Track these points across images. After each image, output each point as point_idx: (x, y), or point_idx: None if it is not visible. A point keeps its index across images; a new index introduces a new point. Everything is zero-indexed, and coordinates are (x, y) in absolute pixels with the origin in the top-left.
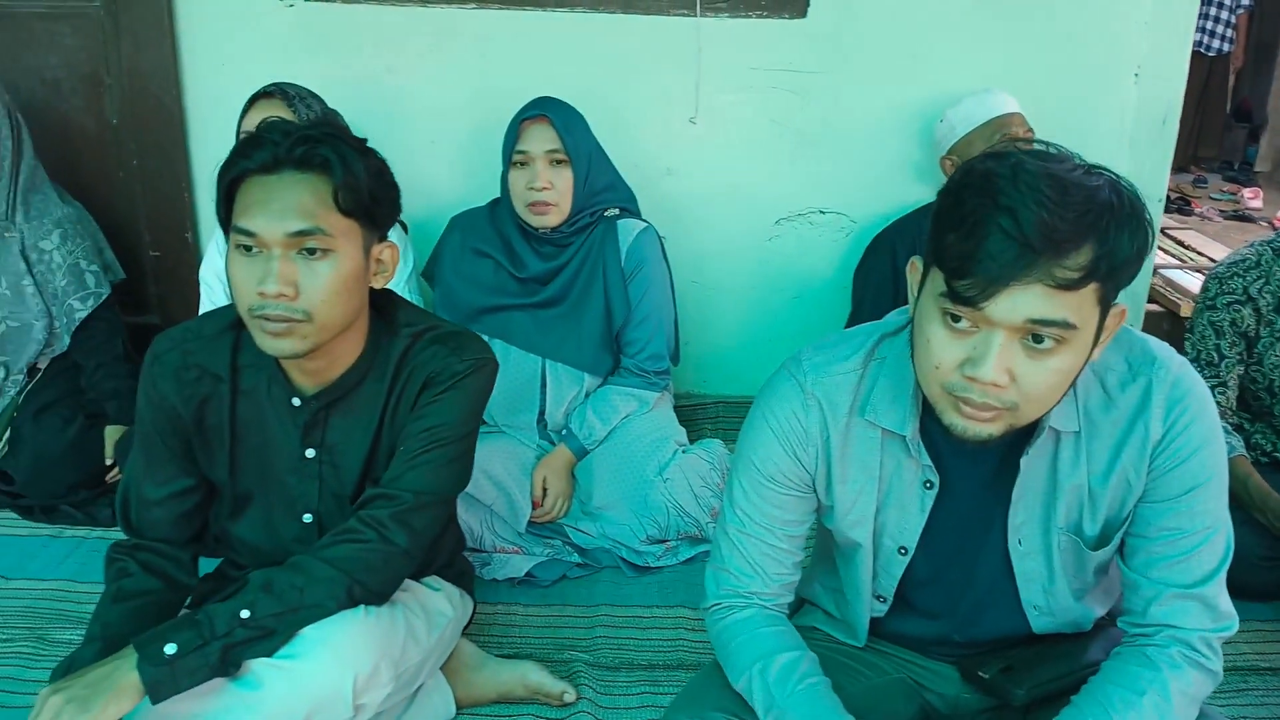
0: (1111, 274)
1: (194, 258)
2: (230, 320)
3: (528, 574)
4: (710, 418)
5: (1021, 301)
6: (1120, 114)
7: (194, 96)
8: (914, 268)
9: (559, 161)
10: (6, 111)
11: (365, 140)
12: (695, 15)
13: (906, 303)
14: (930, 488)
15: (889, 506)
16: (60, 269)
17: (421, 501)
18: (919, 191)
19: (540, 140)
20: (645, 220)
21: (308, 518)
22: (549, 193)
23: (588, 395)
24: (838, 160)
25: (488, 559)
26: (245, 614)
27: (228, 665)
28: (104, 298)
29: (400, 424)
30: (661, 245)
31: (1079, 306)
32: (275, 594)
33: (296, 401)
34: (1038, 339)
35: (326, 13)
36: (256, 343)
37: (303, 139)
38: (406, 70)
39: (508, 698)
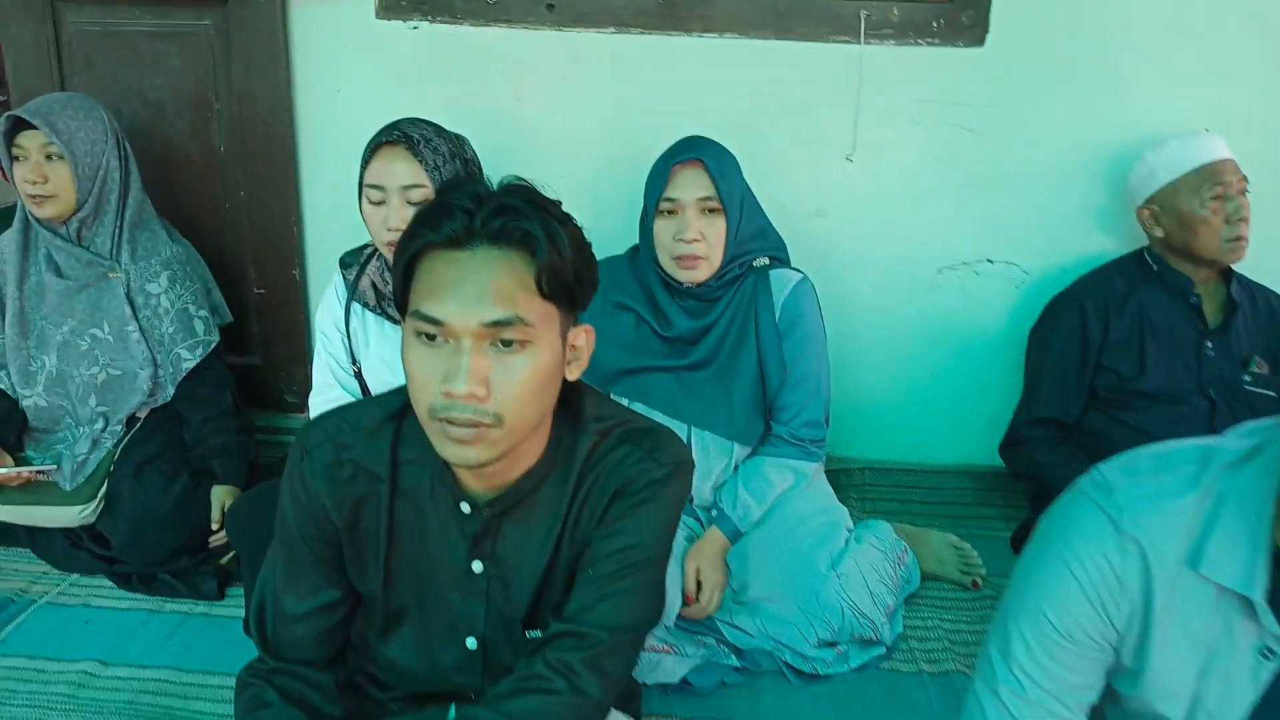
0: None
1: (301, 296)
2: (392, 410)
3: (683, 680)
4: (855, 484)
5: None
6: None
7: (306, 124)
8: None
9: (711, 210)
10: (115, 140)
11: (560, 203)
12: (859, 42)
13: (1096, 370)
14: (1269, 657)
15: (1211, 674)
16: (168, 314)
17: (617, 641)
18: (1102, 242)
19: (692, 187)
20: (799, 270)
21: (471, 642)
22: (699, 245)
23: (737, 467)
24: (1011, 204)
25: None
26: None
27: None
28: (213, 346)
29: (583, 536)
30: (816, 298)
31: None
32: None
33: (466, 508)
34: None
35: (452, 36)
36: (436, 447)
37: (500, 208)
38: (536, 98)
39: None
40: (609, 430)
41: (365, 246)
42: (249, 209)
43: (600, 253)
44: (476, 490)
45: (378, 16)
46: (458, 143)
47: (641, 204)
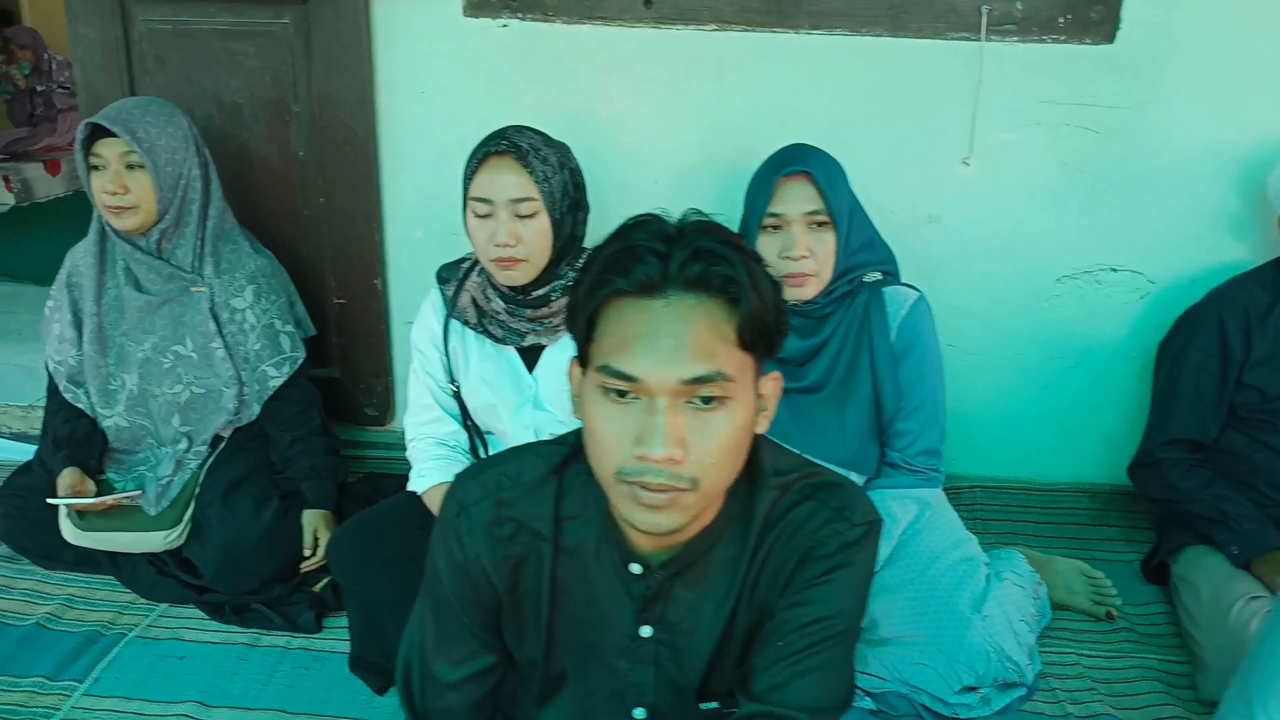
0: None
1: (382, 306)
2: (555, 463)
3: None
4: (966, 504)
5: None
6: None
7: (388, 127)
8: None
9: (820, 224)
10: (196, 147)
11: (744, 238)
12: (979, 39)
13: (1237, 388)
14: None
15: None
16: (254, 330)
17: None
18: (1233, 250)
19: (799, 200)
20: (913, 286)
21: (639, 713)
22: (808, 261)
23: None
24: (1137, 210)
25: None
26: None
27: None
28: (299, 363)
29: (762, 600)
30: (933, 317)
31: None
32: None
33: (636, 568)
34: None
35: (544, 34)
36: (621, 512)
37: (697, 251)
38: (631, 99)
39: None
40: (790, 484)
41: (463, 260)
42: (328, 216)
43: None
44: (646, 550)
45: (465, 14)
46: (564, 151)
47: (741, 210)
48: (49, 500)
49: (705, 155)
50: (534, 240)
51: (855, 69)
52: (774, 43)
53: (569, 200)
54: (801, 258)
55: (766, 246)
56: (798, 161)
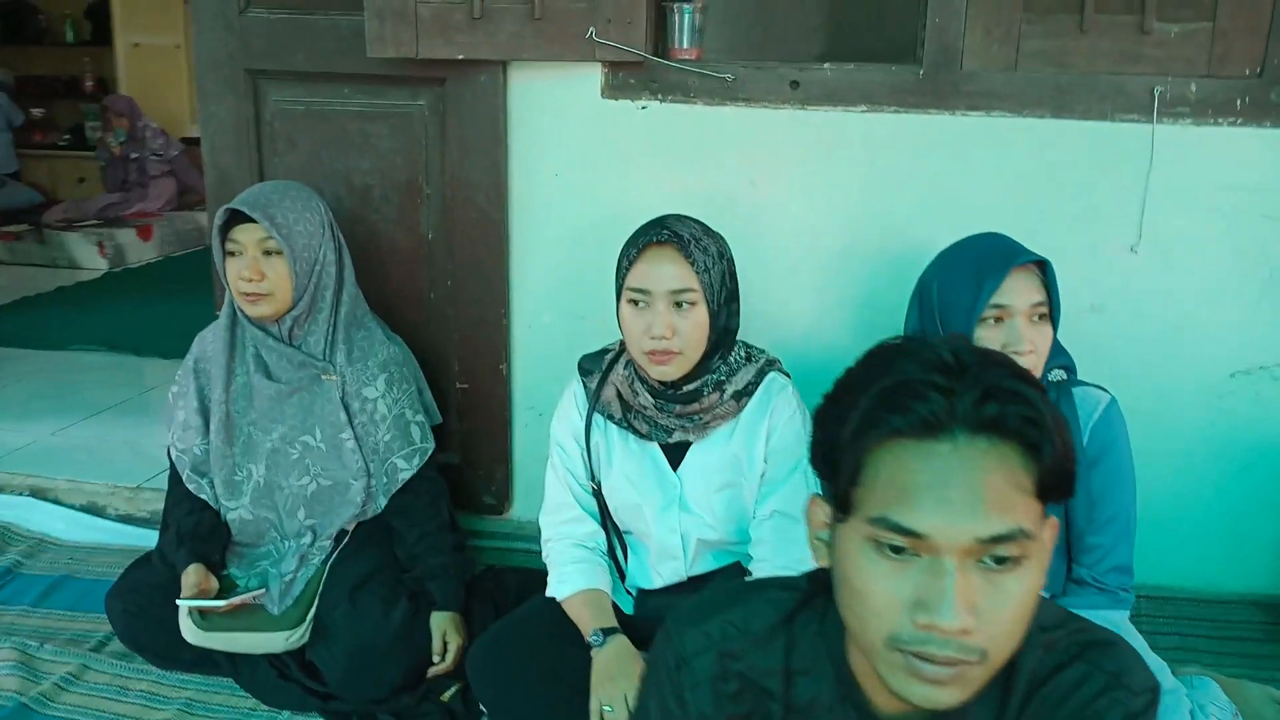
0: None
1: (506, 392)
2: (786, 611)
3: None
4: (1131, 616)
5: None
6: None
7: (520, 209)
8: None
9: (1040, 316)
10: (330, 232)
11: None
12: (1151, 121)
13: None
14: None
15: None
16: (385, 421)
17: None
18: None
19: (1027, 291)
20: (1104, 388)
21: None
22: (1031, 357)
23: None
24: None
25: None
26: None
27: None
28: (429, 454)
29: None
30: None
31: None
32: None
33: None
34: None
35: (684, 116)
36: (890, 683)
37: (989, 389)
38: (773, 183)
39: None
40: (1055, 641)
41: (606, 351)
42: (456, 299)
43: (837, 352)
44: (891, 711)
45: (603, 96)
46: (721, 241)
47: (890, 297)
48: (177, 601)
49: (852, 241)
50: (691, 332)
51: (1015, 152)
52: (928, 124)
53: (726, 291)
54: (1028, 353)
55: (987, 341)
56: (1025, 251)
